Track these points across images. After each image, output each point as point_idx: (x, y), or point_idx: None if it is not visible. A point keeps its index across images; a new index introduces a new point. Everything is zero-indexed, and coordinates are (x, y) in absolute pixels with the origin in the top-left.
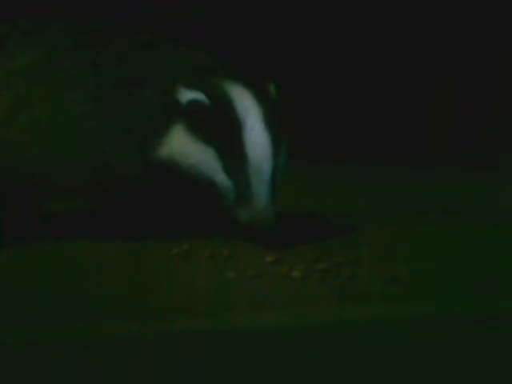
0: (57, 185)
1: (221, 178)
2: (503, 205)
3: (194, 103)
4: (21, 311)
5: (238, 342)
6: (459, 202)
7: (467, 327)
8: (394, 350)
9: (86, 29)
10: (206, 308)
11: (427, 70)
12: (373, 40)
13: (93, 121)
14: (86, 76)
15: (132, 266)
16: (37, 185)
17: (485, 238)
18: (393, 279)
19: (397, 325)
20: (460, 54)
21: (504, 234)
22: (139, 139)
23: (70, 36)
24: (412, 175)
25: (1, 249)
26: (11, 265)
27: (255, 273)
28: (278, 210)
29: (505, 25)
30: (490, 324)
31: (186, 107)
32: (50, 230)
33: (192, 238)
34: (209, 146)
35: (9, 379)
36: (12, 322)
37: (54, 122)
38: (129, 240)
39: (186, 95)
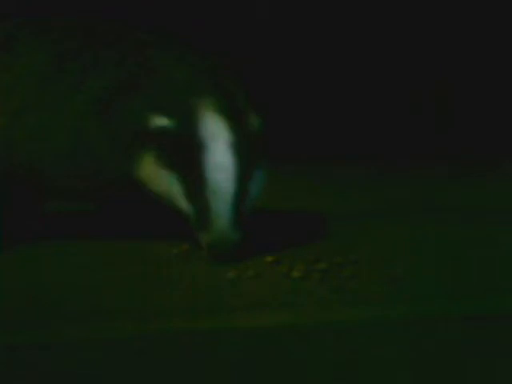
0: (58, 185)
1: (182, 202)
2: (503, 205)
3: (162, 130)
4: (21, 311)
5: (237, 341)
6: (459, 202)
7: (467, 327)
8: (394, 350)
9: (89, 30)
10: (206, 308)
11: (427, 69)
12: (373, 40)
13: (93, 122)
14: (86, 79)
15: (132, 266)
16: (38, 185)
17: (485, 238)
18: (393, 279)
19: (397, 325)
20: (460, 54)
21: (504, 233)
22: (122, 149)
23: (74, 38)
24: (412, 175)
25: (1, 249)
26: (11, 265)
27: (255, 273)
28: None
29: (505, 25)
30: (490, 324)
31: (155, 134)
32: (50, 229)
33: (192, 238)
34: (172, 171)
35: (9, 379)
36: (12, 322)
37: (56, 123)
38: (129, 240)
39: (157, 121)
